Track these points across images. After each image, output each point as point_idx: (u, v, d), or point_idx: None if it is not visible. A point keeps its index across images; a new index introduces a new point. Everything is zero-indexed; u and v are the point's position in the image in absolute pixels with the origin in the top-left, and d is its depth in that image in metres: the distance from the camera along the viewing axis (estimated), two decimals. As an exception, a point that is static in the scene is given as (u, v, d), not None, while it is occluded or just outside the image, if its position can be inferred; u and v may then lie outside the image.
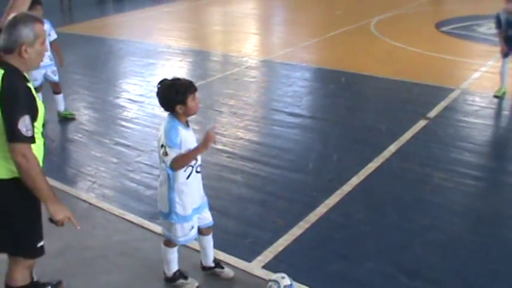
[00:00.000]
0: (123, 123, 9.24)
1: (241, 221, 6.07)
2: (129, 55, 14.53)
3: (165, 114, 9.16)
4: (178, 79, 4.52)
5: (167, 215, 4.60)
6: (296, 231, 5.79)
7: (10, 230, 3.85)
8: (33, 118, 3.64)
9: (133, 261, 5.42)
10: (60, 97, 9.36)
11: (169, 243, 4.81)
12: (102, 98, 10.78)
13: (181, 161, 4.35)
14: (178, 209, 4.53)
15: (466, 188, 6.84)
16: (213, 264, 5.14)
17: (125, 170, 7.46)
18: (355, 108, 9.96)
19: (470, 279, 5.05)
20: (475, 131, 8.62)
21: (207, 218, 4.86)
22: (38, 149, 3.76)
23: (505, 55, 9.94)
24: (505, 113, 9.75)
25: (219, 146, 8.03)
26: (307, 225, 5.91)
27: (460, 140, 8.22)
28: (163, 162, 4.40)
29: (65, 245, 5.70)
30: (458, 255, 5.43)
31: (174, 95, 4.38)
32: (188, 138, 4.47)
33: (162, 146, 4.38)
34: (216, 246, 5.25)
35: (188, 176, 4.50)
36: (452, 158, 7.62)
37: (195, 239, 4.90)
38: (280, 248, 5.50)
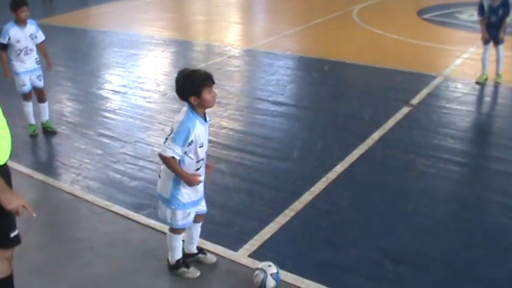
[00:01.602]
0: (107, 114, 9.20)
1: (227, 211, 6.08)
2: (112, 46, 14.46)
3: (150, 105, 9.20)
4: (197, 70, 4.50)
5: (167, 201, 4.62)
6: (282, 220, 5.81)
7: None
8: None
9: (119, 252, 5.41)
10: (44, 106, 8.48)
11: (175, 229, 4.81)
12: (85, 90, 10.71)
13: (171, 166, 4.42)
14: (180, 196, 4.57)
15: (449, 174, 6.90)
16: (196, 251, 5.17)
17: (109, 161, 7.44)
18: (338, 96, 9.99)
19: (454, 264, 5.11)
20: (458, 117, 8.68)
21: (203, 206, 4.91)
22: (1, 139, 3.69)
23: (486, 42, 10.02)
24: (487, 99, 9.82)
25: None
26: (292, 213, 5.93)
27: (443, 127, 8.27)
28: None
29: (50, 238, 5.71)
30: (442, 241, 5.49)
31: (189, 86, 4.37)
32: (203, 133, 4.49)
33: (171, 130, 4.41)
34: (202, 236, 5.26)
35: (198, 169, 4.56)
36: (435, 144, 7.68)
37: None
38: (267, 237, 5.52)
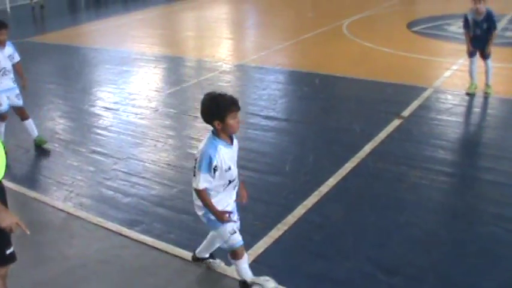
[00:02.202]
0: (99, 131, 9.21)
1: (220, 225, 6.08)
2: (103, 63, 14.49)
3: (142, 121, 9.20)
4: (223, 95, 4.38)
5: (208, 220, 4.60)
6: (275, 234, 5.82)
7: None
8: None
9: (113, 269, 5.41)
10: (29, 123, 8.51)
11: (235, 253, 4.71)
12: (77, 107, 10.73)
13: (203, 199, 4.43)
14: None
15: (441, 185, 6.93)
16: (207, 255, 5.19)
17: (101, 178, 7.44)
18: (329, 110, 10.03)
19: (447, 275, 5.13)
20: (448, 128, 8.73)
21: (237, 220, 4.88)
22: None
23: (471, 54, 10.09)
24: (477, 110, 9.89)
25: (195, 151, 8.03)
26: (285, 227, 5.95)
27: (434, 138, 8.31)
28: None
29: (44, 256, 5.69)
30: (435, 252, 5.51)
31: (214, 110, 4.30)
32: (227, 156, 4.42)
33: (195, 160, 4.40)
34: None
35: (224, 189, 4.53)
36: (426, 156, 7.72)
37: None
38: (260, 251, 5.53)
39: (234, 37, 18.41)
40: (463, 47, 10.46)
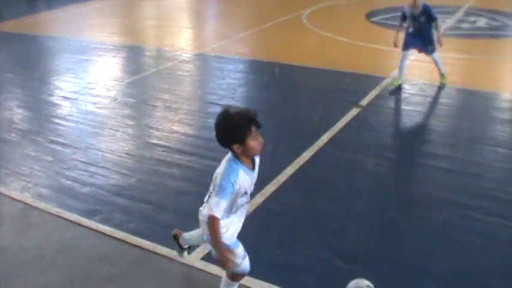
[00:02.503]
0: (57, 120, 9.11)
1: (179, 214, 6.09)
2: (62, 52, 14.28)
3: (100, 111, 9.10)
4: (238, 112, 3.86)
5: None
6: (234, 222, 5.86)
7: None
8: None
9: (71, 259, 5.39)
10: None
11: (233, 276, 4.42)
12: (35, 96, 10.60)
13: (214, 228, 3.89)
14: (225, 240, 4.10)
15: (397, 172, 7.08)
16: (185, 246, 5.13)
17: (60, 168, 7.38)
18: (288, 99, 10.09)
19: (404, 260, 5.25)
20: (406, 117, 8.89)
21: None
22: None
23: (405, 47, 10.15)
24: (433, 99, 9.99)
25: (154, 141, 8.05)
26: (244, 216, 5.99)
27: (391, 127, 8.46)
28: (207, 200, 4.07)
29: (0, 247, 5.63)
30: (392, 238, 5.64)
31: (231, 132, 3.81)
32: (247, 182, 4.01)
33: (213, 184, 4.01)
34: (155, 240, 5.31)
35: (236, 211, 4.19)
36: (384, 144, 7.85)
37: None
38: (219, 239, 5.56)
39: (193, 26, 18.34)
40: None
